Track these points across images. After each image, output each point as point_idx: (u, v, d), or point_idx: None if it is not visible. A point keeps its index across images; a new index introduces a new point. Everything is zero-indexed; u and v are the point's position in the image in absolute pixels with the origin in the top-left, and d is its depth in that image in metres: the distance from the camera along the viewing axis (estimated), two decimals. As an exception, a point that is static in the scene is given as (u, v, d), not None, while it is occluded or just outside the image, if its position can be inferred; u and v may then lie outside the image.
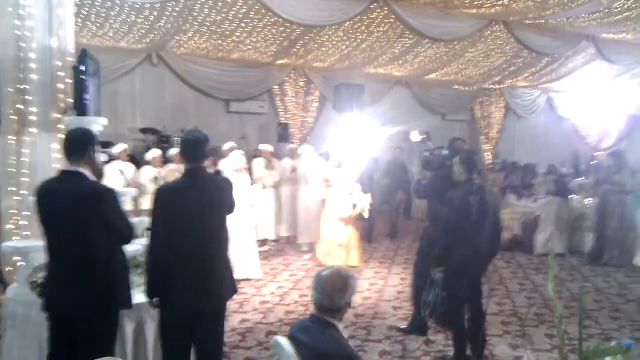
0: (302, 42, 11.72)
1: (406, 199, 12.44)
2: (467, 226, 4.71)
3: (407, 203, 12.97)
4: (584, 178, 14.23)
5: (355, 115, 10.67)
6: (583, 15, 10.88)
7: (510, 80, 15.97)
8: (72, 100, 5.03)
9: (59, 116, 5.11)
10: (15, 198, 5.12)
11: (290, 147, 10.97)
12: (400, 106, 15.18)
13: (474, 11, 10.61)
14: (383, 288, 7.52)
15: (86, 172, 3.39)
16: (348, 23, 10.57)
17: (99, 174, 4.40)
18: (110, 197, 3.37)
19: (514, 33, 11.72)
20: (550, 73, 15.01)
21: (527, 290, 7.51)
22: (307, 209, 9.95)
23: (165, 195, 3.55)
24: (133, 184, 8.49)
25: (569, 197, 10.14)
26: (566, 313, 6.07)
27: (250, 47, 11.66)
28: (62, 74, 5.16)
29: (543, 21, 11.39)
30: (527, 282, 7.90)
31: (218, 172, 3.84)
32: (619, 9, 10.43)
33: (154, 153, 9.19)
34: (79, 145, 3.41)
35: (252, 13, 9.93)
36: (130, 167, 8.86)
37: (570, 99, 18.15)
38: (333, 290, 2.81)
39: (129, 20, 9.77)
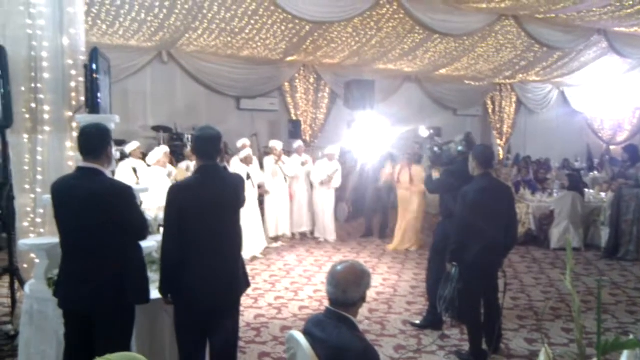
0: (311, 39, 11.70)
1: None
2: (481, 221, 4.68)
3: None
4: (596, 172, 14.18)
5: (367, 112, 10.61)
6: (594, 9, 10.79)
7: (522, 75, 15.88)
8: (84, 99, 5.03)
9: (72, 114, 5.11)
10: (30, 196, 5.15)
11: (297, 144, 10.88)
12: (411, 102, 15.16)
13: (484, 6, 10.54)
14: (397, 283, 7.50)
15: (102, 168, 3.38)
16: (357, 19, 10.55)
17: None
18: (127, 193, 3.38)
19: (525, 27, 11.64)
20: (561, 67, 14.93)
21: (542, 284, 7.46)
22: (321, 207, 10.07)
23: (179, 193, 3.54)
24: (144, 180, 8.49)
25: (584, 191, 10.06)
26: (582, 307, 6.03)
27: (259, 44, 11.66)
28: (73, 72, 5.14)
29: (554, 15, 11.30)
30: (543, 277, 7.84)
31: (225, 168, 3.82)
32: (630, 3, 10.34)
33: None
34: (97, 141, 3.38)
35: (262, 10, 9.95)
36: (143, 165, 8.87)
37: (582, 94, 18.05)
38: (347, 285, 2.79)
39: (139, 18, 9.80)
